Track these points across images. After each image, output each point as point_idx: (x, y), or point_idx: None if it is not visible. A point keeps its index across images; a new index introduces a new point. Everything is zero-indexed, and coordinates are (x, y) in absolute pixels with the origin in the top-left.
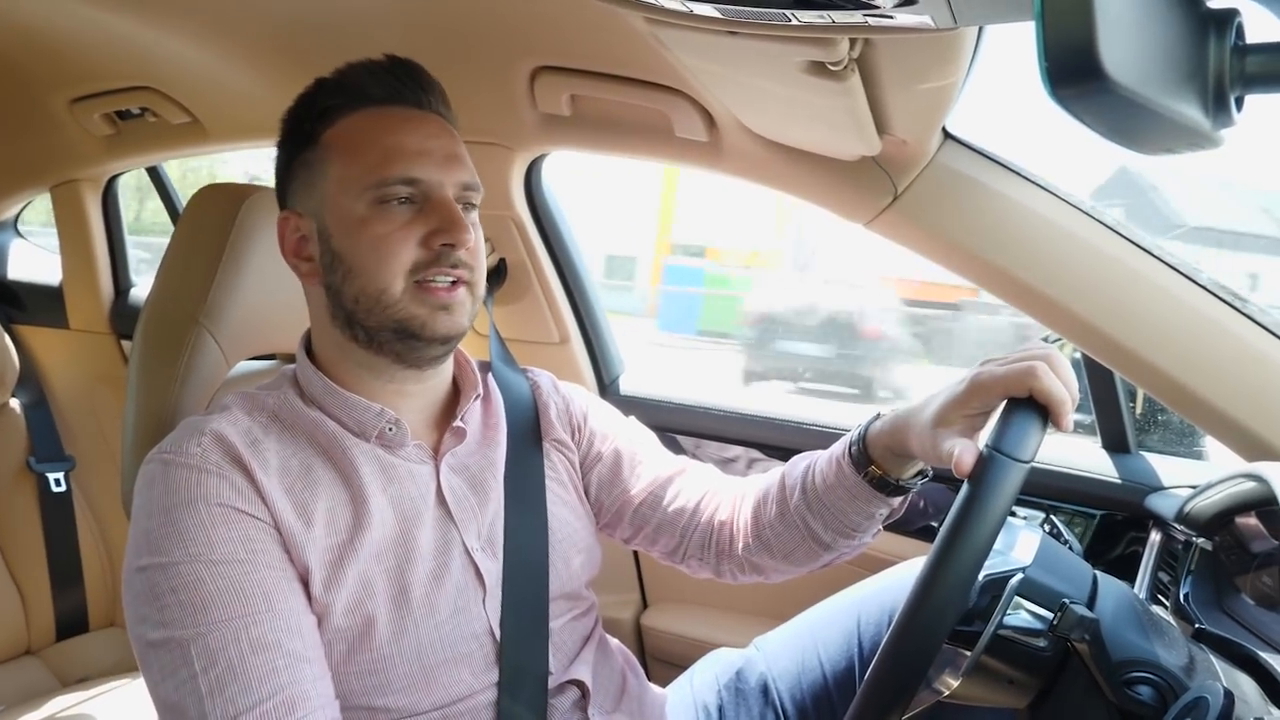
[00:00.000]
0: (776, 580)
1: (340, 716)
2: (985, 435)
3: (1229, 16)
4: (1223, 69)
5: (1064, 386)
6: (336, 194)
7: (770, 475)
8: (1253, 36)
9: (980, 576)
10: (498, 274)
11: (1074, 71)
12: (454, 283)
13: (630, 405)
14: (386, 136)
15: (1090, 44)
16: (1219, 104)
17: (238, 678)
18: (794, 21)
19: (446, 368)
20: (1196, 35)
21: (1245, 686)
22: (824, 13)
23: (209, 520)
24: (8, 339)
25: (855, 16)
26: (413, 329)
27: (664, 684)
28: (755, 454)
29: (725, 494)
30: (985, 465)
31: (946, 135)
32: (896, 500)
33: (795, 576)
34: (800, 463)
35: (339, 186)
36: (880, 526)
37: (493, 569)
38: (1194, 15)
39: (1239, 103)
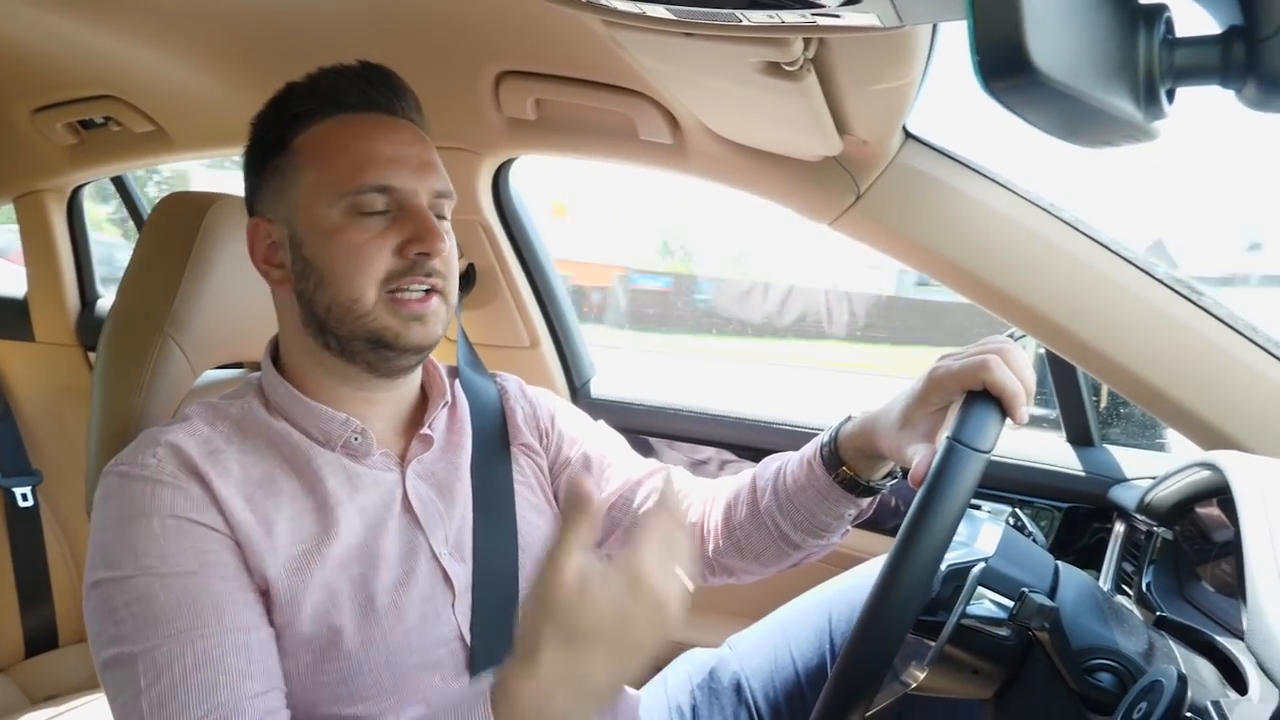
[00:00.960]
0: (747, 581)
1: None
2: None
3: (1158, 11)
4: (1153, 62)
5: (1017, 379)
6: (309, 201)
7: (741, 477)
8: (1182, 30)
9: (943, 567)
10: (467, 279)
11: (1004, 65)
12: (427, 292)
13: (601, 408)
14: (360, 144)
15: (1018, 38)
16: (1150, 97)
17: (177, 696)
18: (745, 22)
19: (415, 375)
20: (1126, 29)
21: (1204, 671)
22: (773, 13)
23: (161, 532)
24: None
25: (804, 16)
26: (386, 339)
27: (638, 685)
28: (727, 455)
29: (695, 496)
30: (945, 455)
31: (908, 135)
32: (865, 501)
33: (765, 576)
34: (771, 464)
35: (312, 194)
36: (849, 527)
37: (461, 573)
38: (1124, 9)
39: (1170, 95)
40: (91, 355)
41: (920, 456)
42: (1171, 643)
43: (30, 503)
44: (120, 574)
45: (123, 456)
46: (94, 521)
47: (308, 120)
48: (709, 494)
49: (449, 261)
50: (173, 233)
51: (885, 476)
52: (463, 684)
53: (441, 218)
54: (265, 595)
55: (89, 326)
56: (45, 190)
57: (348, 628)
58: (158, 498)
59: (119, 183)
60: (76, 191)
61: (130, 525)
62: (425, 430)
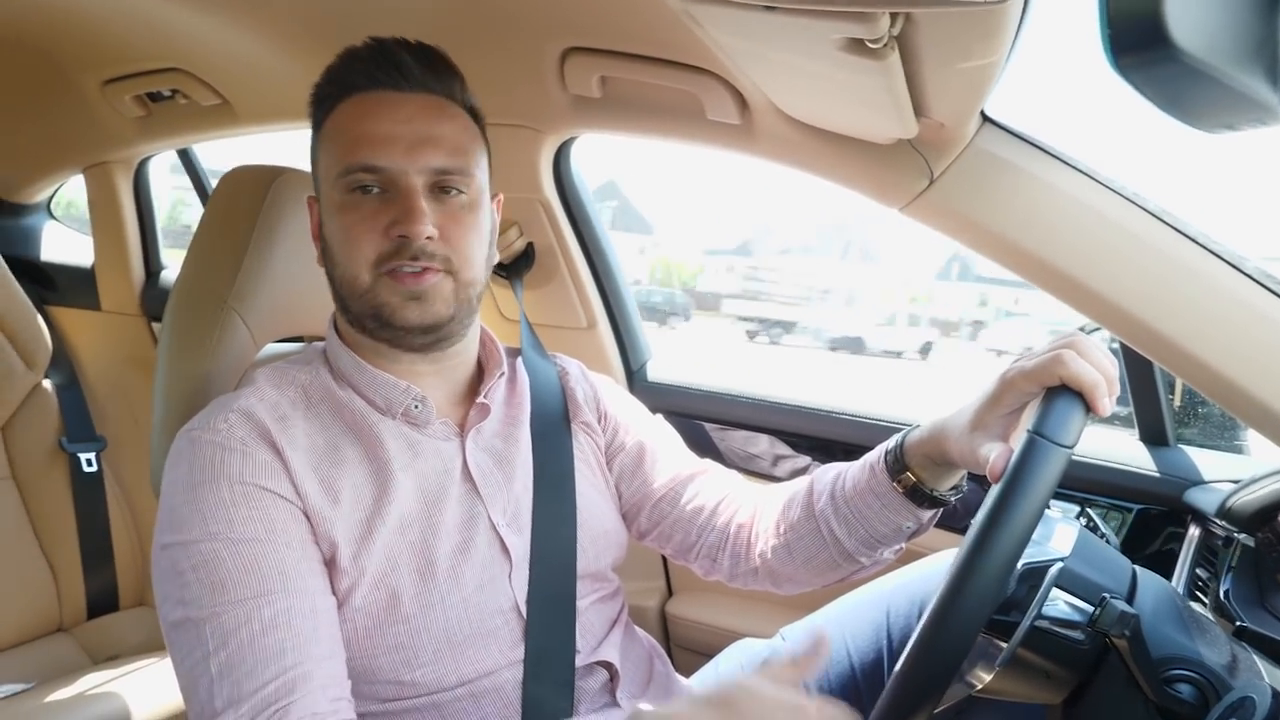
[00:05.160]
0: (789, 592)
1: (346, 694)
2: (1021, 431)
3: None
4: None
5: (1095, 369)
6: (323, 183)
7: (798, 482)
8: None
9: (1019, 565)
10: (526, 258)
11: (1138, 39)
12: (424, 270)
13: (657, 392)
14: (357, 124)
15: (1157, 9)
16: None
17: (245, 661)
18: None
19: (467, 348)
20: (1269, 3)
21: None
22: None
23: (230, 499)
24: (40, 320)
25: None
26: (384, 316)
27: (688, 673)
28: (781, 449)
29: (746, 499)
30: (1026, 449)
31: (985, 118)
32: (926, 515)
33: (807, 590)
34: (830, 470)
35: (324, 175)
36: (903, 544)
37: (519, 544)
38: None
39: None
40: (156, 326)
41: (998, 453)
42: (1254, 655)
43: (95, 468)
44: (188, 538)
45: (195, 422)
46: (164, 485)
47: (331, 104)
48: (761, 498)
49: (454, 242)
50: (237, 206)
51: (951, 490)
52: (517, 655)
53: (453, 191)
54: (330, 563)
55: (153, 297)
56: (113, 162)
57: (407, 593)
58: (228, 463)
59: (184, 155)
60: (143, 164)
61: (200, 490)
62: (482, 399)
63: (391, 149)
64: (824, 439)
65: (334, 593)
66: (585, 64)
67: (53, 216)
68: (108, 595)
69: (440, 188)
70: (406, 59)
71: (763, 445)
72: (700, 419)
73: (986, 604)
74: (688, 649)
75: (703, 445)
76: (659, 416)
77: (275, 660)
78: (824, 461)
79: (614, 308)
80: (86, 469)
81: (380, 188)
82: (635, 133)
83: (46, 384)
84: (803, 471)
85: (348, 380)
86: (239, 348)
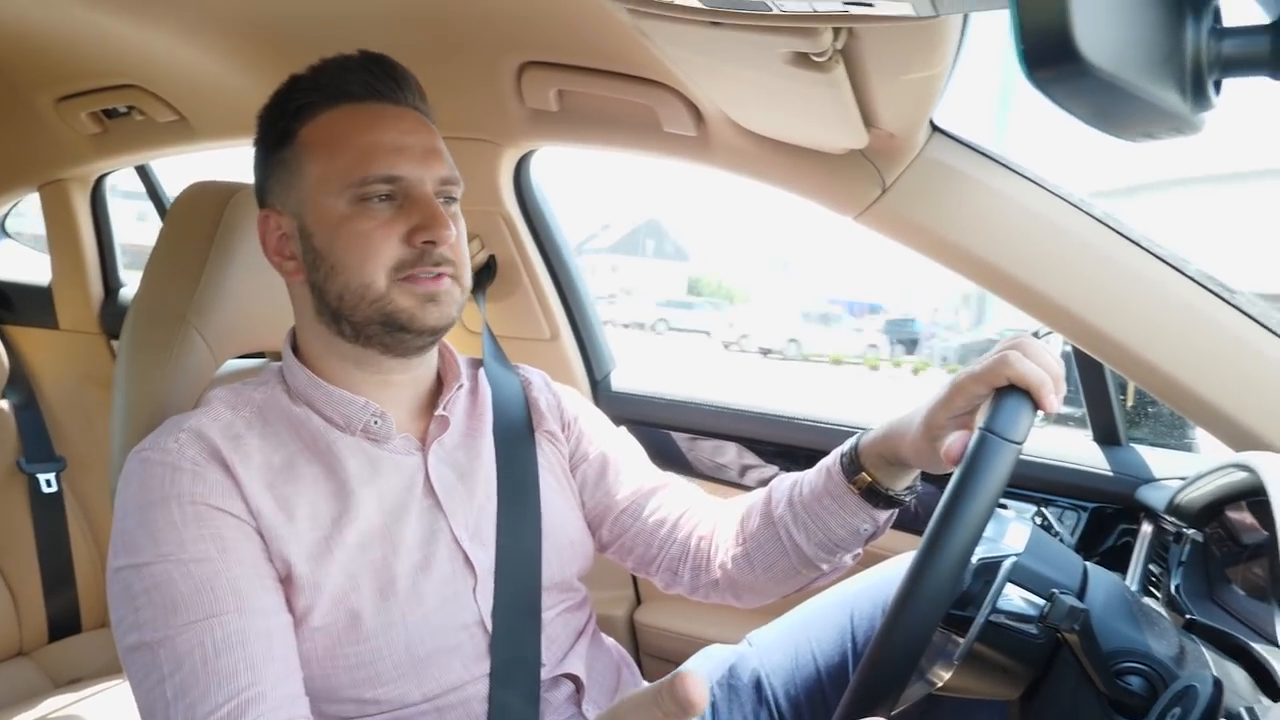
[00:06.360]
0: (749, 603)
1: (303, 713)
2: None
3: (1206, 0)
4: (1200, 52)
5: (1040, 368)
6: (316, 193)
7: (756, 492)
8: (1230, 20)
9: (973, 560)
10: (487, 271)
11: (1050, 54)
12: (440, 274)
13: (622, 402)
14: (365, 134)
15: (1065, 26)
16: (1197, 88)
17: (199, 683)
18: (775, 10)
19: (431, 358)
20: (1174, 18)
21: (1236, 676)
22: (805, 1)
23: (180, 519)
24: None
25: (836, 5)
26: (401, 321)
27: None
28: (749, 457)
29: (707, 512)
30: (977, 445)
31: (934, 128)
32: (882, 517)
33: (768, 600)
34: (788, 478)
35: (318, 185)
36: (861, 548)
37: (483, 558)
38: None
39: (1217, 86)
40: (115, 343)
41: (954, 438)
42: (1202, 647)
43: (54, 489)
44: (140, 560)
45: (146, 442)
46: (116, 507)
47: (311, 111)
48: (721, 512)
49: (458, 248)
50: (195, 222)
51: (906, 490)
52: (483, 669)
53: (450, 201)
54: (286, 581)
55: (112, 315)
56: (69, 179)
57: (367, 611)
58: (177, 483)
59: (143, 172)
60: (100, 180)
61: (150, 511)
62: (441, 411)
63: (406, 158)
64: (788, 445)
65: (292, 611)
66: (542, 78)
67: (7, 235)
68: (69, 617)
69: (441, 197)
70: (404, 74)
71: (730, 454)
72: (665, 428)
73: (943, 597)
74: (657, 657)
75: (669, 455)
76: (623, 429)
77: (229, 682)
78: (789, 468)
79: (577, 318)
80: (46, 489)
81: (392, 196)
82: (593, 145)
83: (4, 404)
84: (770, 480)
85: (304, 398)
86: (198, 364)
